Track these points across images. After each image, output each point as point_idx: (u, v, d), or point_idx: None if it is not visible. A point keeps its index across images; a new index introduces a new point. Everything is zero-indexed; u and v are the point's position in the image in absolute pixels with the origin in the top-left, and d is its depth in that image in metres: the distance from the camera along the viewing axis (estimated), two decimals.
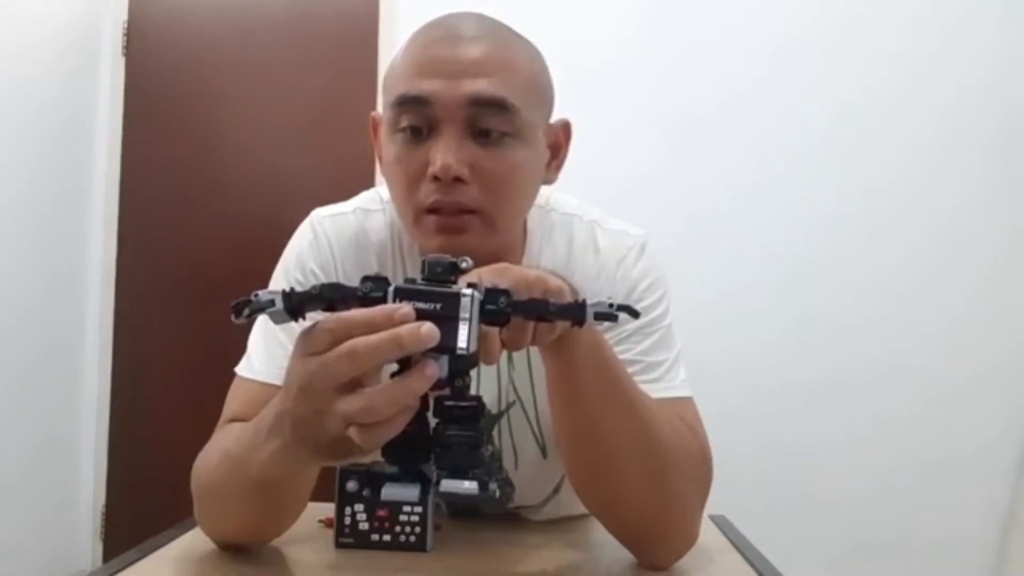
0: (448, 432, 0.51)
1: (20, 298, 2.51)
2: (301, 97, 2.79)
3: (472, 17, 0.80)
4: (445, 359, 0.50)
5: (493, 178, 0.76)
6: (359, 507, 0.84)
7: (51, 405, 2.70)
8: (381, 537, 0.83)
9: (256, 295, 0.52)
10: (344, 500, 0.84)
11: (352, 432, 0.50)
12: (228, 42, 2.85)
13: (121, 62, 2.86)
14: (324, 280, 0.87)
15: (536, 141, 0.80)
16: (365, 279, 0.52)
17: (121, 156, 2.85)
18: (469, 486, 0.50)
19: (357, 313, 0.50)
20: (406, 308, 0.49)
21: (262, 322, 0.53)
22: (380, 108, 0.87)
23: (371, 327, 0.49)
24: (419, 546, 0.83)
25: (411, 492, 0.51)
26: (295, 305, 0.52)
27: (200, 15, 2.86)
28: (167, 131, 2.86)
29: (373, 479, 0.52)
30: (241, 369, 0.86)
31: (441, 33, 0.78)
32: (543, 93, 0.82)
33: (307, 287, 0.89)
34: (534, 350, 0.89)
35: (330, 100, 2.74)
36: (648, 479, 0.73)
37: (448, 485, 0.51)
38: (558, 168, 0.86)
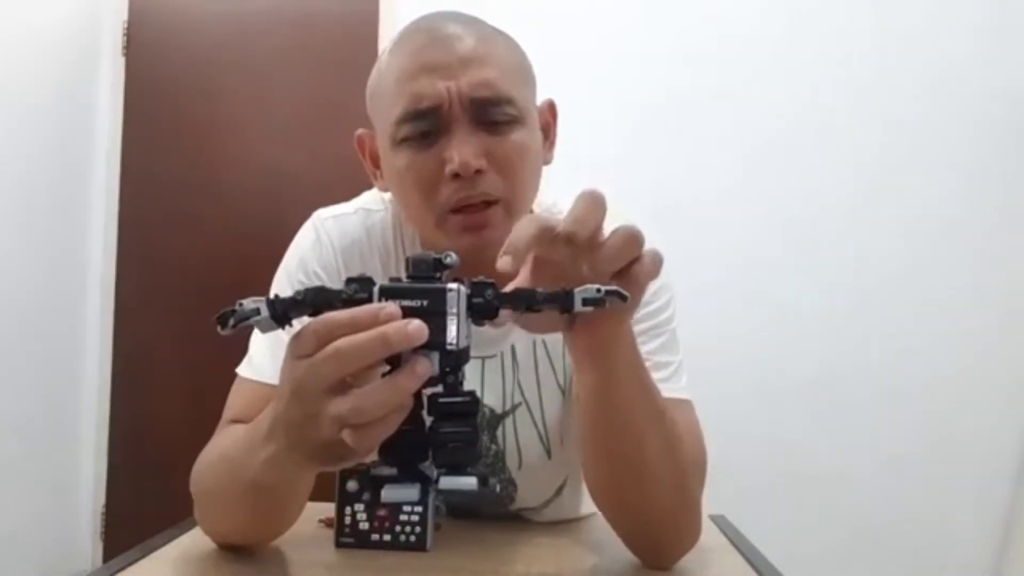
0: (443, 429, 0.50)
1: (19, 297, 2.51)
2: (301, 97, 2.79)
3: (447, 15, 0.81)
4: (436, 356, 0.49)
5: (508, 163, 0.77)
6: (359, 507, 0.84)
7: (51, 405, 2.70)
8: (381, 537, 0.84)
9: (240, 304, 0.52)
10: (344, 500, 0.84)
11: (345, 434, 0.49)
12: (228, 42, 2.85)
13: (121, 62, 2.86)
14: (327, 281, 0.87)
15: (534, 122, 0.82)
16: (350, 280, 0.51)
17: (121, 156, 2.85)
18: (468, 482, 0.50)
19: (341, 313, 0.49)
20: (391, 307, 0.48)
21: None
22: (371, 119, 0.86)
23: (355, 327, 0.48)
24: (419, 546, 0.83)
25: (411, 492, 0.51)
26: (280, 312, 0.52)
27: (200, 15, 2.86)
28: (167, 131, 2.85)
29: (373, 481, 0.51)
30: (242, 369, 0.86)
31: (424, 38, 0.79)
32: (528, 75, 0.84)
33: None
34: (540, 350, 0.90)
35: (330, 100, 2.74)
36: (672, 483, 0.73)
37: (447, 482, 0.50)
38: (551, 147, 0.87)
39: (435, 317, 0.49)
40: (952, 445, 2.54)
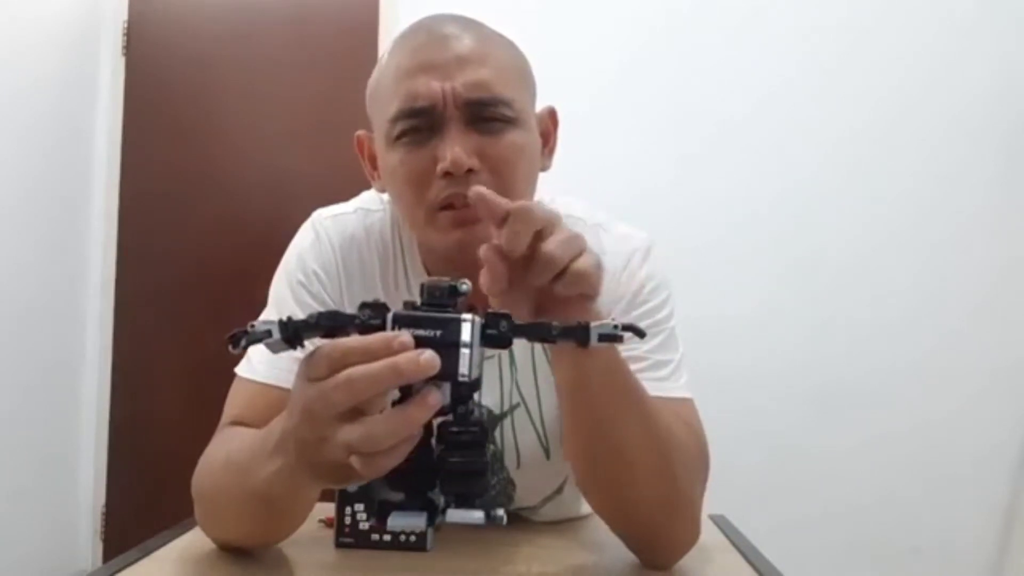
0: (452, 459, 0.50)
1: (20, 298, 2.51)
2: (301, 97, 2.79)
3: (447, 16, 0.81)
4: (447, 385, 0.49)
5: (501, 163, 0.77)
6: (359, 507, 0.84)
7: (51, 405, 2.70)
8: (381, 537, 0.84)
9: (252, 325, 0.51)
10: (344, 500, 0.84)
11: (354, 460, 0.49)
12: (228, 42, 2.85)
13: (121, 62, 2.86)
14: (326, 280, 0.87)
15: (531, 125, 0.82)
16: (363, 306, 0.51)
17: (121, 156, 2.85)
18: (475, 516, 0.50)
19: (355, 341, 0.49)
20: (404, 336, 0.47)
21: None
22: (370, 118, 0.86)
23: (368, 355, 0.47)
24: (419, 546, 0.83)
25: (418, 521, 0.50)
26: (292, 334, 0.51)
27: (200, 15, 2.86)
28: (167, 131, 2.86)
29: (380, 508, 0.51)
30: (241, 370, 0.86)
31: (424, 37, 0.79)
32: (527, 78, 0.84)
33: (310, 289, 0.88)
34: (538, 351, 0.90)
35: (330, 100, 2.74)
36: (661, 480, 0.73)
37: (454, 516, 0.50)
38: (550, 154, 0.87)
39: (448, 347, 0.48)
40: (952, 443, 2.53)
